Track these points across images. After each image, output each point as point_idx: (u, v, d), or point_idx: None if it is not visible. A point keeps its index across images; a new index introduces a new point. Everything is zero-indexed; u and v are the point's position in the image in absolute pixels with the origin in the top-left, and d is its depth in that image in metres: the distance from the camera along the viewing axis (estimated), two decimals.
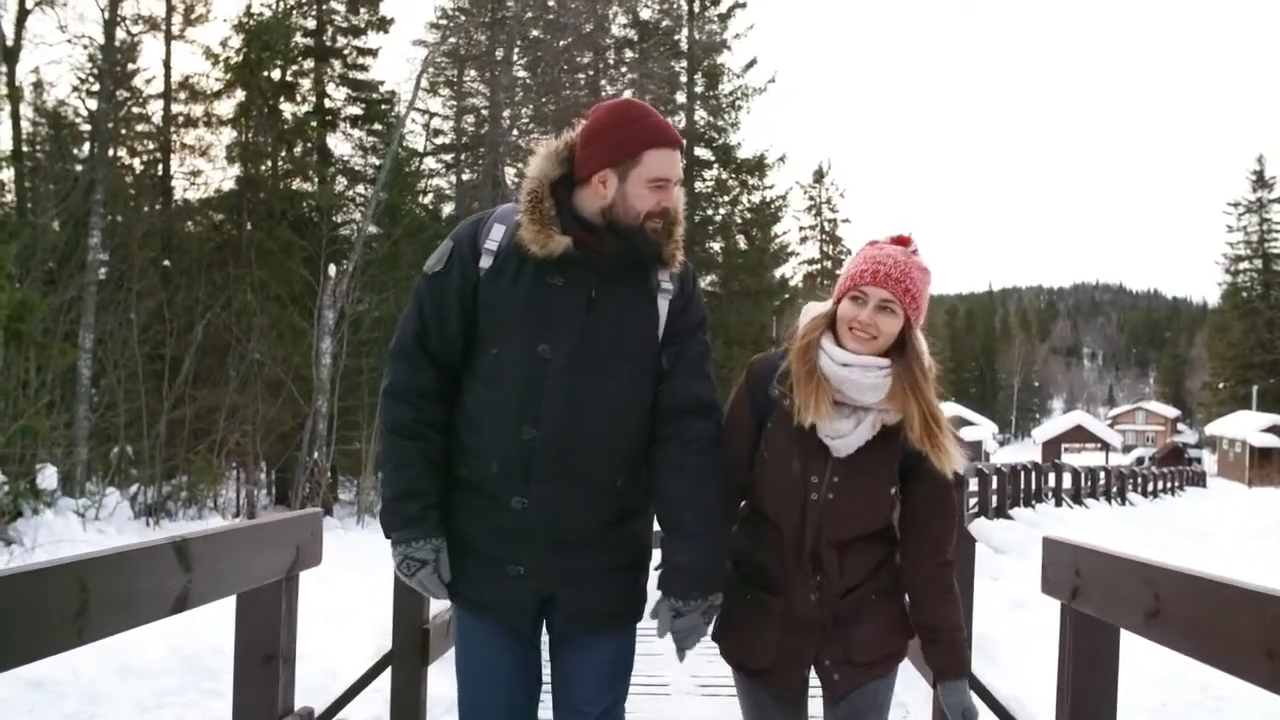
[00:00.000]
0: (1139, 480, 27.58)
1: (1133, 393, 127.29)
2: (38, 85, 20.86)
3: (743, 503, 2.30)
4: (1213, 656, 1.76)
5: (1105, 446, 64.43)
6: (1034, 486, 17.98)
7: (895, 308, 2.08)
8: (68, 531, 11.45)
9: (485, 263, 2.13)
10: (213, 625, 5.73)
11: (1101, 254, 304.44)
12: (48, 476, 11.78)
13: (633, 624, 2.27)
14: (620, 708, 2.30)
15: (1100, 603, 2.27)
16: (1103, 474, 24.11)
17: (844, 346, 2.11)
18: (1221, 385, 60.24)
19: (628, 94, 29.61)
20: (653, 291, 2.17)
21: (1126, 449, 72.24)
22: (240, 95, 21.30)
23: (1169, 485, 30.70)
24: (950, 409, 63.38)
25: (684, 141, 2.19)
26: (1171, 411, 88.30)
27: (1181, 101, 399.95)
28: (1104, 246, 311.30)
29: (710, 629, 2.22)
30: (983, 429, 62.81)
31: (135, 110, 22.16)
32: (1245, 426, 50.78)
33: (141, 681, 4.38)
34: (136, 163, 22.27)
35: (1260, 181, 60.00)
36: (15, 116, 17.94)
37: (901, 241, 2.17)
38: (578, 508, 2.12)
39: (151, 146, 22.63)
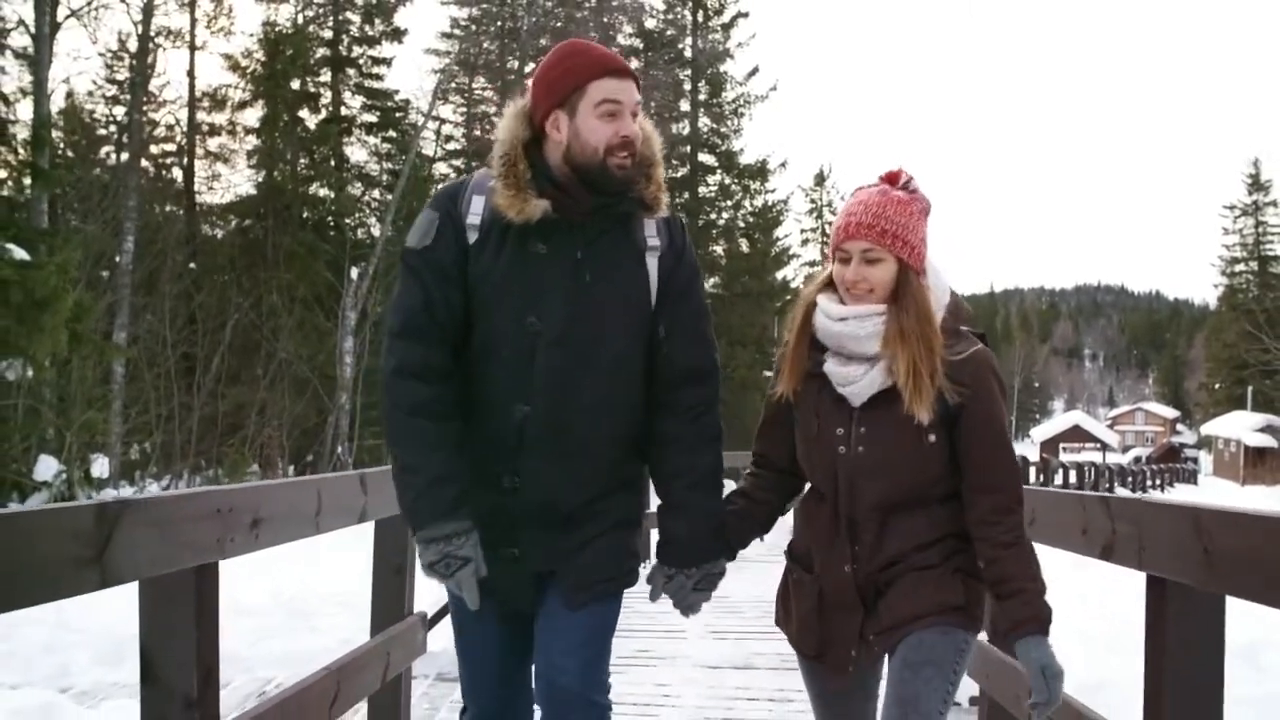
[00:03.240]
0: (1128, 477, 28.46)
1: (1133, 394, 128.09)
2: (69, 95, 21.82)
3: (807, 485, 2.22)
4: (1057, 541, 2.67)
5: (1103, 446, 65.24)
6: (1023, 480, 18.89)
7: (878, 254, 2.01)
8: None
9: (471, 237, 2.01)
10: (297, 576, 6.68)
11: (1104, 255, 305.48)
12: (101, 466, 12.70)
13: (625, 588, 2.15)
14: (603, 664, 2.13)
15: None
16: (1090, 470, 25.03)
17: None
18: (1217, 386, 61.03)
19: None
20: (640, 250, 2.06)
21: (1125, 449, 73.03)
22: (263, 104, 22.28)
23: (1158, 482, 31.62)
24: None
25: (635, 75, 2.04)
26: (1170, 412, 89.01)
27: (1185, 102, 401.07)
28: (1106, 248, 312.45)
29: (711, 594, 2.16)
30: None
31: (154, 116, 23.09)
32: (1240, 426, 51.66)
33: (249, 619, 5.28)
34: (152, 167, 23.16)
35: (1256, 185, 60.76)
36: (47, 127, 18.86)
37: (891, 179, 2.08)
38: (572, 484, 2.02)
39: (170, 149, 23.59)
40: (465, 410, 2.02)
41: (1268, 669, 5.31)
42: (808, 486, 2.20)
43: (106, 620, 5.56)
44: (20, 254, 11.38)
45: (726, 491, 2.21)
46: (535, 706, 2.16)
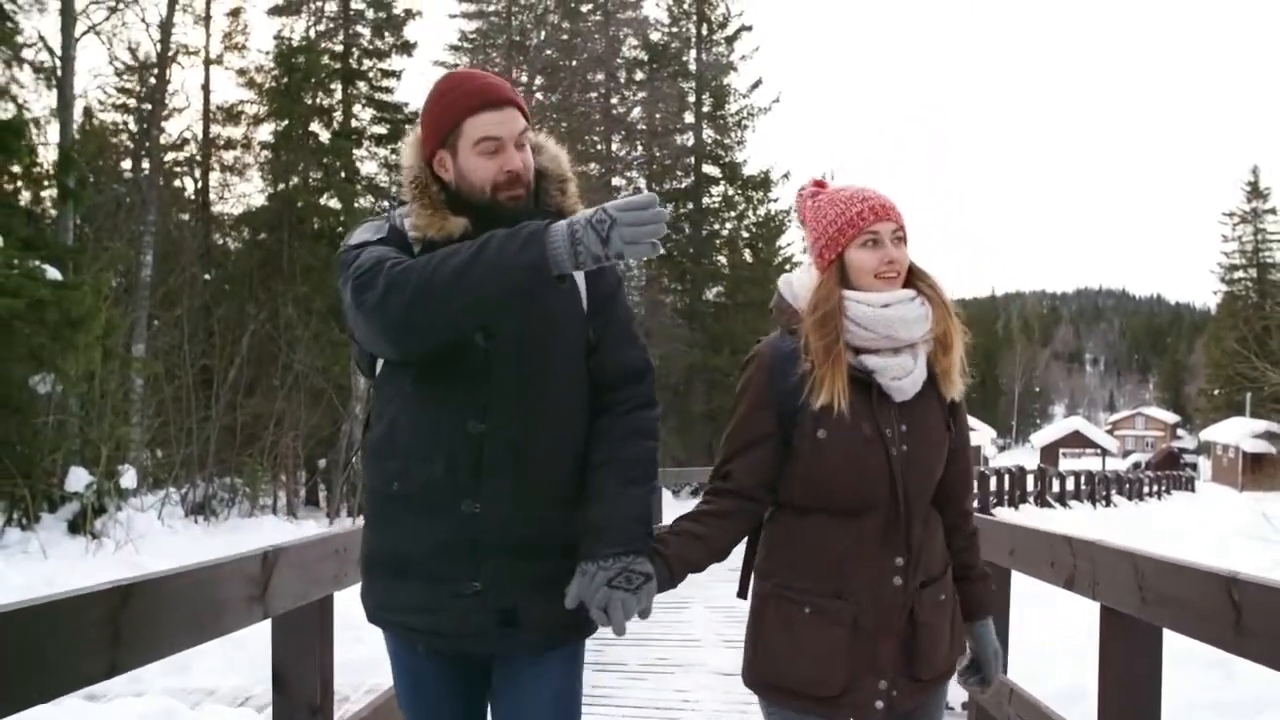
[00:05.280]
0: (1125, 484, 28.89)
1: (1134, 398, 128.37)
2: (86, 112, 22.27)
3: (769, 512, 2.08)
4: (1031, 570, 3.14)
5: (1103, 452, 65.66)
6: (1019, 489, 19.36)
7: (903, 235, 2.01)
8: (149, 527, 12.86)
9: (416, 249, 1.94)
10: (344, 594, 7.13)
11: (1105, 259, 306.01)
12: (129, 477, 13.14)
13: (586, 636, 2.07)
14: None
15: (990, 551, 3.60)
16: (1085, 478, 25.49)
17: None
18: (1216, 392, 61.41)
19: (636, 112, 31.06)
20: None
21: (1125, 454, 73.42)
22: (277, 118, 22.77)
23: (1155, 489, 32.03)
24: None
25: (518, 100, 1.96)
26: (1171, 417, 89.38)
27: (1188, 105, 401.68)
28: (1108, 251, 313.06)
29: (640, 603, 1.87)
30: (981, 434, 64.19)
31: (167, 125, 23.56)
32: (1238, 433, 52.05)
33: None
34: (162, 178, 23.61)
35: (1255, 192, 61.27)
36: (74, 147, 19.33)
37: (821, 185, 2.12)
38: (535, 505, 1.93)
39: (182, 158, 24.04)
40: (410, 431, 1.93)
41: (1239, 676, 5.72)
42: (788, 509, 2.04)
43: None
44: (53, 273, 11.86)
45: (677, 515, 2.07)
46: None
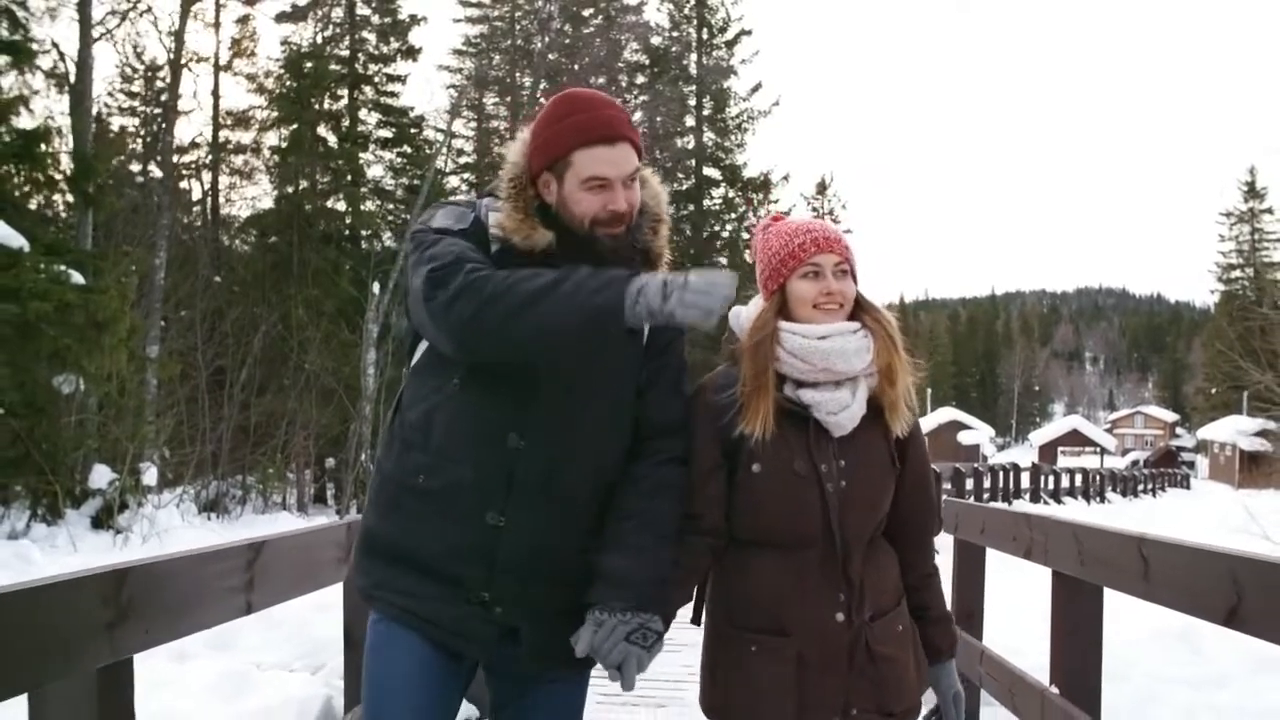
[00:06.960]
0: (1120, 481, 29.32)
1: (1133, 397, 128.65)
2: (98, 118, 22.68)
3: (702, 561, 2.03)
4: (997, 544, 3.58)
5: (1101, 450, 66.05)
6: (1013, 485, 19.81)
7: (846, 268, 2.00)
8: (169, 522, 13.29)
9: (493, 246, 1.92)
10: None
11: (1105, 258, 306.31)
12: (150, 474, 13.57)
13: (589, 670, 2.04)
14: None
15: (966, 531, 4.06)
16: (1079, 475, 25.94)
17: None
18: (1214, 391, 61.78)
19: (637, 116, 31.44)
20: None
21: (1124, 452, 73.77)
22: (285, 123, 23.22)
23: (1150, 486, 32.48)
24: (947, 413, 65.28)
25: (634, 135, 1.94)
26: (1170, 416, 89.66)
27: (1188, 105, 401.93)
28: (1108, 250, 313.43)
29: (650, 659, 1.84)
30: (980, 433, 64.62)
31: (177, 132, 23.97)
32: (1235, 431, 52.43)
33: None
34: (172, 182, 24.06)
35: (1252, 192, 61.69)
36: (88, 153, 19.72)
37: (779, 219, 2.11)
38: (559, 531, 1.91)
39: (190, 160, 24.49)
40: (447, 432, 1.90)
41: (1204, 651, 6.09)
42: (730, 543, 2.03)
43: None
44: (76, 277, 12.29)
45: None
46: None
